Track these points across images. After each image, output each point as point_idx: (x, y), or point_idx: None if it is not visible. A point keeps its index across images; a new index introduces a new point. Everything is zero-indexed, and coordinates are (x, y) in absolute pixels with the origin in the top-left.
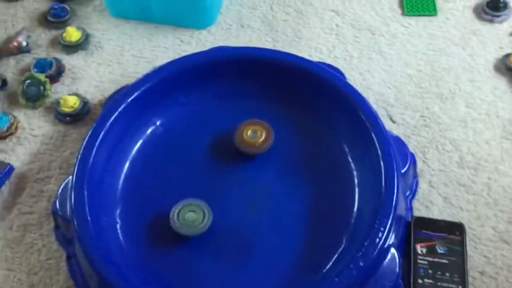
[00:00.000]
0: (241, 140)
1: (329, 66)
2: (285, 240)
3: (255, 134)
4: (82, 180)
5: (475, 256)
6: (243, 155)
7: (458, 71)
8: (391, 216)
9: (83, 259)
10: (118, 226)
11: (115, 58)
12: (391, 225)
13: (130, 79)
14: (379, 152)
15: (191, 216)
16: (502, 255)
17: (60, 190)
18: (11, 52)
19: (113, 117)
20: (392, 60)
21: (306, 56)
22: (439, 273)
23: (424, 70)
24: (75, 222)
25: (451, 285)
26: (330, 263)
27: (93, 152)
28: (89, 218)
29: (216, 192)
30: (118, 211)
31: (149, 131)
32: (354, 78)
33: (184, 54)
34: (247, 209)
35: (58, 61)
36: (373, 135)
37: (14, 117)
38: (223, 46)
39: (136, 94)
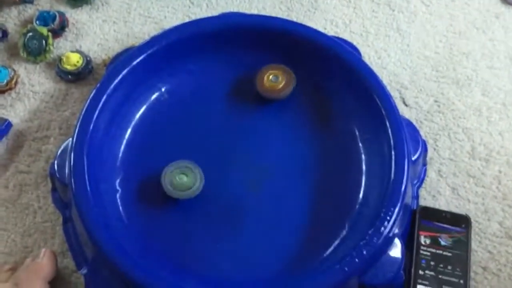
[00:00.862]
0: (262, 85)
1: (345, 41)
2: (284, 215)
3: (276, 79)
4: (82, 144)
5: (479, 250)
6: (249, 125)
7: (477, 56)
8: (398, 205)
9: (79, 225)
10: (117, 194)
11: (121, 16)
12: (397, 214)
13: (136, 40)
14: (391, 137)
15: (182, 179)
16: (507, 252)
17: (59, 152)
18: (13, 1)
19: (116, 80)
20: (410, 40)
21: (321, 29)
22: (441, 265)
23: (442, 53)
24: (73, 187)
25: (452, 279)
26: (331, 248)
27: (95, 116)
28: (87, 183)
29: (218, 158)
30: (118, 179)
31: (153, 97)
32: (369, 56)
33: (193, 17)
34: (249, 184)
35: (61, 14)
36: (385, 118)
37: (14, 71)
38: (235, 12)
39: (142, 57)
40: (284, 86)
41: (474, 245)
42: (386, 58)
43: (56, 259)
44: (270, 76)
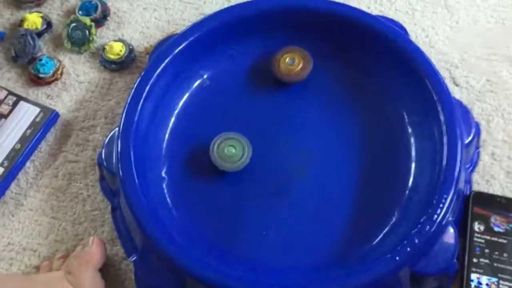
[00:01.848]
0: (279, 69)
1: (390, 20)
2: (330, 202)
3: (292, 61)
4: (128, 133)
5: None
6: (293, 108)
7: None
8: (451, 192)
9: (128, 212)
10: (164, 183)
11: (161, 3)
12: (451, 202)
13: (177, 27)
14: (442, 119)
15: (230, 151)
16: None
17: (105, 142)
18: None
19: (159, 69)
20: (459, 16)
21: (364, 8)
22: (496, 253)
23: (494, 29)
24: (121, 176)
25: (508, 267)
26: (380, 236)
27: (139, 105)
28: (134, 172)
29: (262, 143)
30: (164, 168)
31: (195, 84)
32: (416, 35)
33: (233, 1)
34: (295, 172)
35: (103, 3)
36: (436, 100)
37: (60, 61)
38: None
39: (183, 45)
40: (302, 68)
41: None
42: (434, 36)
43: (105, 246)
44: (287, 59)
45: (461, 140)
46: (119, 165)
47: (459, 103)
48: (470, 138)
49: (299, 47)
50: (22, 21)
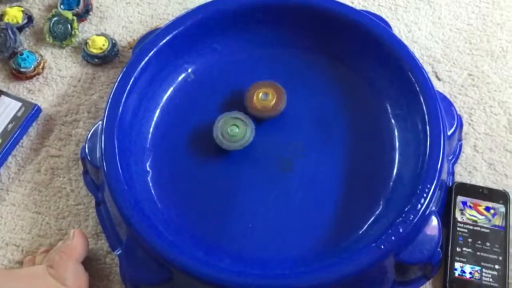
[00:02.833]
0: (251, 104)
1: (374, 15)
2: (317, 194)
3: (266, 97)
4: (112, 127)
5: None
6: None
7: None
8: (434, 182)
9: (113, 206)
10: (149, 176)
11: None
12: (434, 191)
13: (160, 21)
14: (425, 112)
15: (233, 130)
16: None
17: (89, 136)
18: None
19: (143, 63)
20: (441, 12)
21: (348, 3)
22: (479, 242)
23: (475, 24)
24: (105, 169)
25: (491, 255)
26: (366, 226)
27: (123, 98)
28: (119, 166)
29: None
30: (148, 161)
31: (180, 78)
32: (399, 30)
33: None
34: (282, 165)
35: None
36: (419, 93)
37: (41, 56)
38: None
39: (167, 38)
40: (276, 103)
41: None
42: (417, 32)
43: (86, 238)
44: (260, 94)
45: (443, 132)
46: (103, 159)
47: (442, 96)
48: (452, 130)
49: (271, 81)
50: (2, 15)
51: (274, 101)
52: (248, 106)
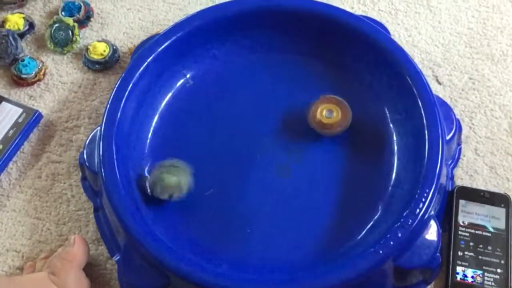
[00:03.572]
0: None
1: (373, 20)
2: (315, 199)
3: (331, 114)
4: (110, 132)
5: None
6: (275, 108)
7: None
8: (433, 187)
9: (111, 212)
10: (146, 181)
11: (145, 4)
12: (432, 196)
13: (161, 27)
14: (424, 116)
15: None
16: None
17: (87, 142)
18: None
19: (141, 68)
20: (441, 16)
21: (347, 8)
22: (481, 246)
23: (475, 28)
24: (103, 175)
25: (493, 259)
26: (365, 231)
27: (121, 104)
28: (117, 171)
29: (247, 143)
30: (147, 167)
31: (178, 83)
32: (399, 34)
33: (217, 1)
34: (279, 171)
35: (86, 4)
36: (418, 97)
37: (42, 62)
38: None
39: (165, 44)
40: (341, 120)
41: None
42: (417, 36)
43: (87, 245)
44: (324, 111)
45: (442, 136)
46: (101, 165)
47: (441, 101)
48: (451, 135)
49: (335, 97)
50: (3, 22)
51: (339, 117)
52: (312, 122)
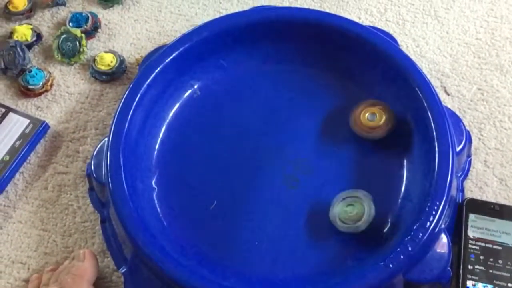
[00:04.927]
0: (359, 123)
1: (380, 30)
2: (324, 212)
3: (373, 117)
4: (117, 143)
5: None
6: (283, 126)
7: None
8: (443, 199)
9: (118, 224)
10: (154, 193)
11: (152, 15)
12: (443, 209)
13: (168, 38)
14: (434, 128)
15: (353, 210)
16: None
17: (95, 153)
18: (47, 4)
19: (149, 79)
20: (449, 26)
21: (355, 19)
22: (491, 260)
23: (484, 39)
24: (110, 186)
25: (504, 273)
26: (374, 244)
27: (129, 115)
28: (124, 183)
29: (254, 154)
30: (154, 178)
31: (186, 94)
32: (406, 45)
33: (224, 12)
34: (287, 182)
35: (93, 15)
36: (427, 108)
37: (50, 73)
38: (266, 6)
39: (173, 55)
40: (385, 123)
41: None
42: (425, 46)
43: (97, 259)
44: (367, 114)
45: (452, 148)
46: (109, 176)
47: (450, 112)
48: (461, 147)
49: (379, 101)
50: (11, 33)
51: (382, 120)
52: (354, 125)
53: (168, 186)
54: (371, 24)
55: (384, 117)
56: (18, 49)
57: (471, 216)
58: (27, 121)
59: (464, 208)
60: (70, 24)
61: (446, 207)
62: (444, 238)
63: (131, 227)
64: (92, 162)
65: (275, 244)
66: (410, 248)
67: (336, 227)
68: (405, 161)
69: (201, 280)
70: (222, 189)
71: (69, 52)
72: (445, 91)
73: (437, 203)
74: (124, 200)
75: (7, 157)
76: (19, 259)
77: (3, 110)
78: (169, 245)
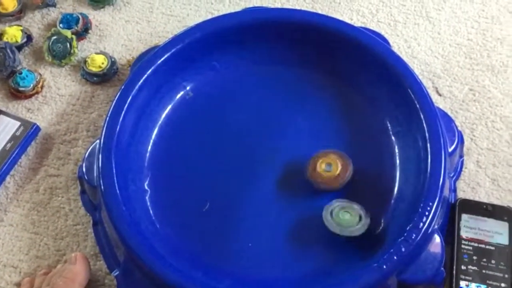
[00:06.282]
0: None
1: (372, 31)
2: (319, 216)
3: (329, 167)
4: (109, 146)
5: None
6: (276, 119)
7: None
8: (436, 200)
9: (110, 227)
10: (147, 195)
11: (144, 16)
12: (436, 209)
13: (160, 39)
14: (426, 128)
15: (345, 216)
16: None
17: (86, 155)
18: (37, 6)
19: (141, 81)
20: (440, 27)
21: (346, 20)
22: (484, 260)
23: (475, 39)
24: (102, 189)
25: (497, 273)
26: (367, 245)
27: (121, 117)
28: (116, 185)
29: (247, 156)
30: (147, 180)
31: (178, 95)
32: (398, 46)
33: (216, 13)
34: (280, 184)
35: (84, 16)
36: (419, 109)
37: (40, 75)
38: (258, 7)
39: (165, 56)
40: (341, 173)
41: None
42: (417, 47)
43: (89, 262)
44: (323, 165)
45: (444, 149)
46: (100, 178)
47: (442, 112)
48: (453, 147)
49: (335, 150)
50: (1, 34)
51: (338, 172)
52: (311, 176)
53: (161, 188)
54: (363, 25)
55: (339, 168)
56: (8, 50)
57: (464, 217)
58: (18, 123)
59: (457, 209)
60: (61, 25)
61: (439, 207)
62: (437, 239)
63: (123, 229)
64: (84, 165)
65: (269, 246)
66: (403, 249)
67: (330, 229)
68: (397, 161)
69: (195, 282)
70: (215, 190)
71: (59, 53)
72: (437, 92)
73: (430, 203)
74: (116, 202)
75: None
76: (10, 262)
77: None
78: (162, 248)
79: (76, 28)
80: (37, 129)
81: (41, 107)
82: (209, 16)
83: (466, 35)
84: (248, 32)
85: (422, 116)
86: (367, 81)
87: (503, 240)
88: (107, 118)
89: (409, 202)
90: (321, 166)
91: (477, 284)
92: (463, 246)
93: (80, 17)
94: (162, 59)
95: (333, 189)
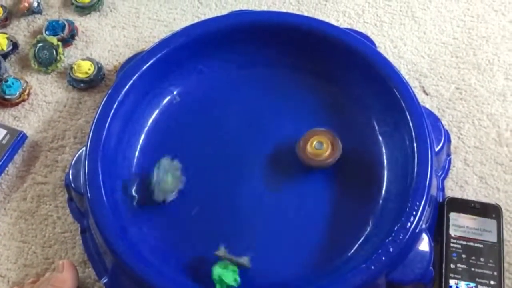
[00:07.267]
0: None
1: (358, 33)
2: (305, 215)
3: (321, 146)
4: (95, 152)
5: None
6: (263, 123)
7: (497, 40)
8: (423, 199)
9: (97, 234)
10: (134, 201)
11: (130, 21)
12: (423, 208)
13: (146, 44)
14: (412, 128)
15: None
16: None
17: (73, 162)
18: (22, 13)
19: (127, 86)
20: (426, 27)
21: (333, 21)
22: (473, 258)
23: (461, 38)
24: (89, 196)
25: (486, 271)
26: (356, 246)
27: (107, 123)
28: (103, 192)
29: (235, 160)
30: (134, 186)
31: (165, 100)
32: (384, 46)
33: (202, 17)
34: (270, 187)
35: (70, 23)
36: (405, 109)
37: (26, 82)
38: (244, 10)
39: (151, 61)
40: (330, 153)
41: (506, 234)
42: (403, 47)
43: (76, 269)
44: (314, 143)
45: (431, 148)
46: (87, 185)
47: (429, 111)
48: (440, 146)
49: (326, 129)
50: None
51: (328, 151)
52: (301, 154)
53: (148, 193)
54: (349, 26)
55: (330, 146)
56: None
57: (452, 215)
58: (4, 131)
59: (445, 207)
60: (47, 32)
61: (427, 207)
62: (425, 238)
63: (111, 236)
64: (70, 172)
65: (259, 249)
66: (391, 249)
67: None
68: (385, 161)
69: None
70: (204, 194)
71: (46, 60)
72: (424, 91)
73: (417, 203)
74: (103, 209)
75: None
76: None
77: None
78: (150, 254)
79: (62, 34)
80: (24, 136)
81: (28, 115)
82: (196, 20)
83: (452, 34)
84: (234, 36)
85: (408, 116)
86: (353, 82)
87: (492, 237)
88: (93, 125)
89: (397, 202)
90: (312, 144)
91: (467, 283)
92: (452, 244)
93: (66, 23)
94: (148, 64)
95: (324, 165)
